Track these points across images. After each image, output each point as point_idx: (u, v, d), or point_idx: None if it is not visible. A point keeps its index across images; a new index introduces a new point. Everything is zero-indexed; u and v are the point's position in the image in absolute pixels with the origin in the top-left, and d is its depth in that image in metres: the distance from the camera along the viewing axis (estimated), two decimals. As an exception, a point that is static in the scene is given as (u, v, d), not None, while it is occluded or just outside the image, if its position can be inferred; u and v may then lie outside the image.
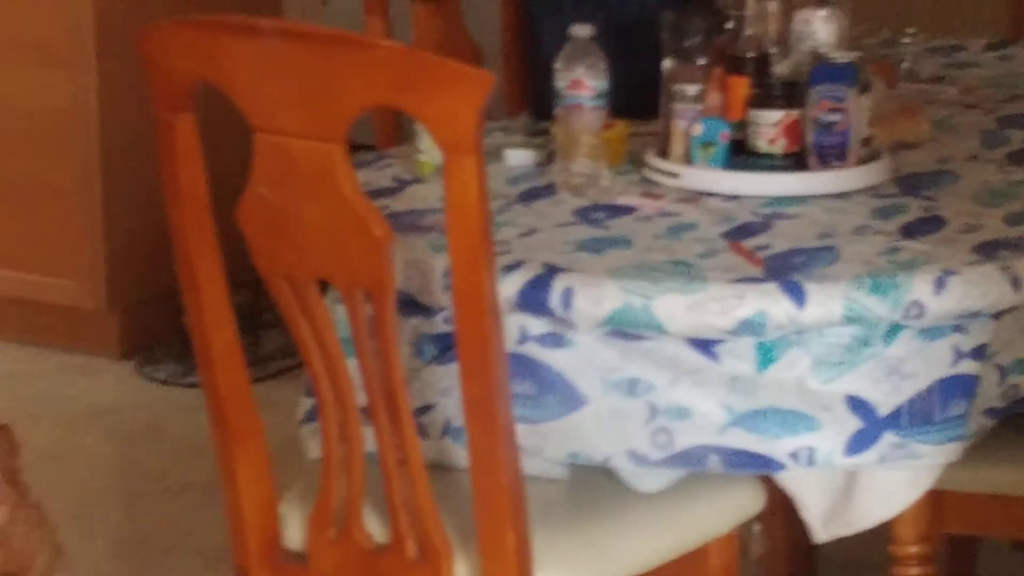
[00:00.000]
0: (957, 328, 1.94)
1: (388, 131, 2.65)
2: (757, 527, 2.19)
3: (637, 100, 2.35)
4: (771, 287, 1.85)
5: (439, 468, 1.97)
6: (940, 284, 1.88)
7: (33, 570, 2.53)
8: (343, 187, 1.74)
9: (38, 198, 3.76)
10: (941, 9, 4.54)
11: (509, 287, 1.88)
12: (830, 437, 1.91)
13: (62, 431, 3.43)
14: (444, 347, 1.99)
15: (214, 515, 2.85)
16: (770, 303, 1.84)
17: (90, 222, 3.73)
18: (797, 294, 1.85)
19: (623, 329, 1.88)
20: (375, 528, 1.91)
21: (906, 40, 2.82)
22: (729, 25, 2.27)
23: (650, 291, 1.85)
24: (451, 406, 1.97)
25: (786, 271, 1.90)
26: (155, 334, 3.85)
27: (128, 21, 3.57)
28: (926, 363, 1.93)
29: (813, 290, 1.85)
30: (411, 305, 1.99)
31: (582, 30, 2.18)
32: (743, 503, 2.05)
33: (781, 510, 2.31)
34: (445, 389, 1.98)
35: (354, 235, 1.75)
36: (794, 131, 2.19)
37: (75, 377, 3.73)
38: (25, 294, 3.83)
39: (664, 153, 2.24)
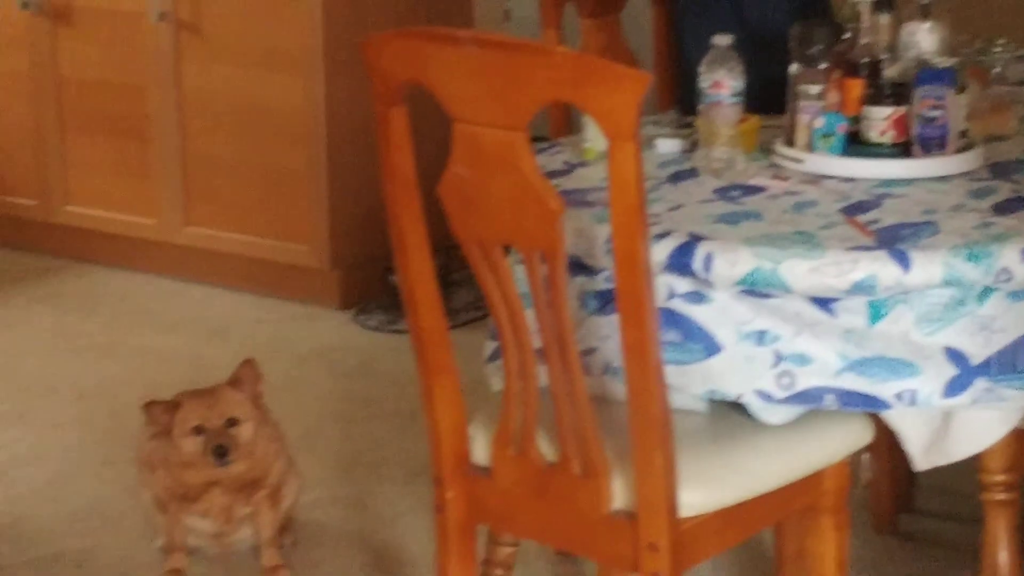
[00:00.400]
0: (1042, 291, 1.86)
1: (559, 124, 2.62)
2: (866, 456, 2.14)
3: (767, 99, 2.30)
4: (881, 254, 1.79)
5: (599, 401, 1.95)
6: (1027, 254, 1.81)
7: (272, 475, 2.57)
8: (524, 168, 1.72)
9: (277, 178, 3.79)
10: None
11: (659, 252, 1.84)
12: (930, 382, 1.84)
13: (293, 367, 3.46)
14: (604, 301, 1.96)
15: (416, 437, 2.90)
16: (880, 267, 1.78)
17: (318, 197, 3.75)
18: (903, 260, 1.79)
19: (754, 288, 1.84)
20: (546, 449, 1.89)
21: (997, 48, 2.70)
22: (846, 35, 2.21)
23: (778, 256, 1.81)
24: (609, 350, 1.94)
25: (894, 241, 1.83)
26: (368, 290, 3.87)
27: (348, 32, 3.64)
28: (1014, 320, 1.85)
29: (917, 257, 1.79)
30: (577, 266, 1.96)
31: (723, 39, 2.13)
32: (854, 436, 1.98)
33: (886, 442, 2.25)
34: (604, 336, 1.96)
35: (533, 207, 1.73)
36: (901, 124, 2.12)
37: (303, 323, 3.77)
38: (266, 255, 3.87)
39: (790, 142, 2.18)
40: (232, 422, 2.46)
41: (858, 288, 1.79)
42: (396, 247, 1.92)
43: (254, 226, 3.84)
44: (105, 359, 3.52)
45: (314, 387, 3.38)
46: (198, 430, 2.45)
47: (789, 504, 1.97)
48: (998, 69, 2.66)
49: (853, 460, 2.05)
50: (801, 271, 1.80)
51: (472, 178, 1.79)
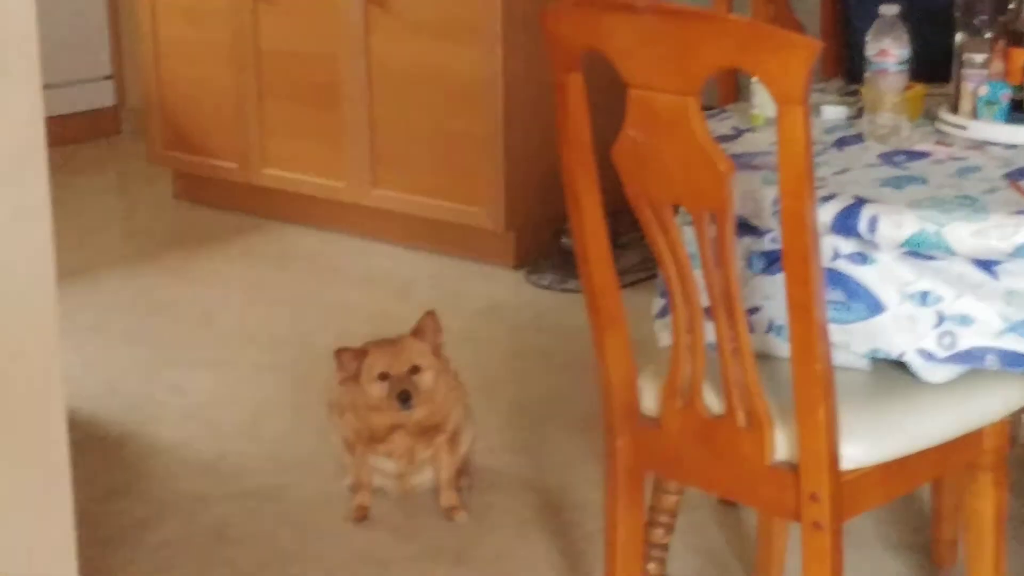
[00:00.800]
0: None
1: (728, 92, 2.61)
2: None
3: (933, 68, 2.26)
4: (1047, 217, 1.77)
5: (762, 358, 1.96)
6: None
7: (451, 421, 2.64)
8: (696, 131, 1.73)
9: (457, 144, 3.85)
10: None
11: (825, 214, 1.84)
12: (1094, 344, 1.82)
13: (470, 321, 3.52)
14: (770, 261, 1.96)
15: (586, 389, 2.93)
16: (1045, 231, 1.76)
17: (495, 163, 3.79)
18: (1071, 224, 1.76)
19: (917, 250, 1.82)
20: (712, 401, 1.91)
21: None
22: (1012, 5, 2.16)
23: (942, 219, 1.78)
24: (774, 308, 1.95)
25: (1060, 205, 1.80)
26: (540, 251, 3.91)
27: (524, 4, 3.67)
28: None
29: (1084, 221, 1.76)
30: (744, 227, 1.97)
31: (890, 9, 2.11)
32: (1014, 395, 1.95)
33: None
34: (769, 295, 1.96)
35: (703, 169, 1.75)
36: (1066, 93, 2.07)
37: (480, 281, 3.83)
38: (446, 217, 3.94)
39: (954, 109, 2.14)
40: (415, 370, 2.54)
41: (1021, 251, 1.77)
42: (571, 208, 1.95)
43: (435, 189, 3.92)
44: (297, 311, 3.65)
45: (490, 341, 3.45)
46: (383, 376, 2.53)
47: (948, 461, 1.96)
48: None
49: (1013, 419, 2.01)
50: (965, 234, 1.78)
51: (645, 142, 1.81)
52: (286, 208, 4.30)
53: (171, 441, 2.94)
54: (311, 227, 4.25)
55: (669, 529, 2.24)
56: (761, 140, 2.12)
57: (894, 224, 1.80)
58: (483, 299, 3.71)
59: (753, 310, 1.99)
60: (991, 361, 1.84)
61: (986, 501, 2.00)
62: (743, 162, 2.03)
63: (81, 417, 3.04)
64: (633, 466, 2.02)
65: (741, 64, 1.69)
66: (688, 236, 1.89)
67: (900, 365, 1.94)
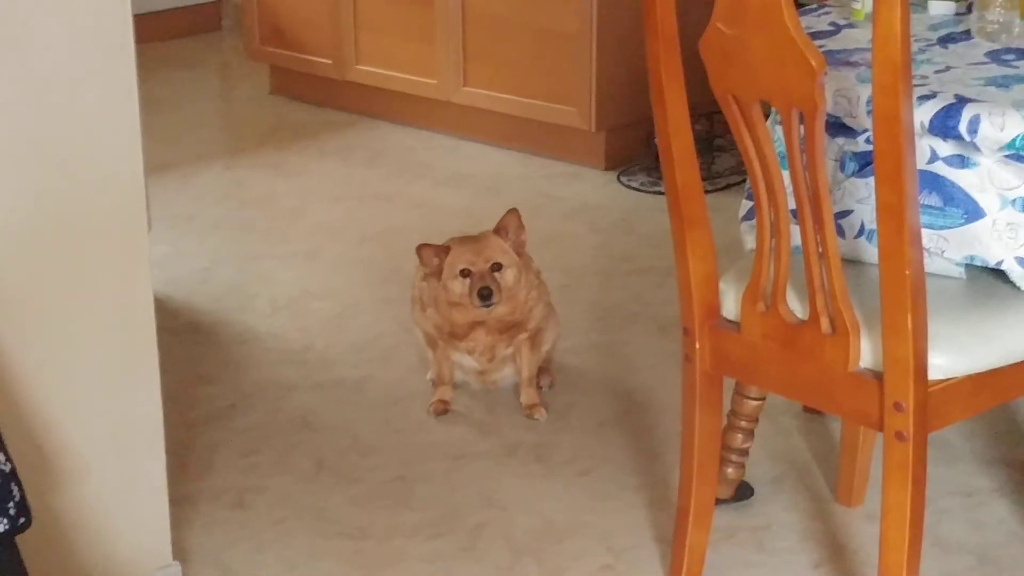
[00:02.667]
0: None
1: None
2: None
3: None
4: None
5: (852, 263, 1.87)
6: None
7: (532, 320, 2.59)
8: (787, 23, 1.61)
9: (549, 42, 3.73)
10: None
11: (923, 114, 1.73)
12: None
13: (557, 221, 3.46)
14: (864, 163, 1.86)
15: (670, 293, 2.84)
16: None
17: (587, 63, 3.68)
18: None
19: (1022, 153, 1.71)
20: (795, 306, 1.82)
21: None
22: None
23: (1051, 120, 1.67)
24: (866, 212, 1.85)
25: None
26: (631, 152, 3.81)
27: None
28: None
29: None
30: (837, 126, 1.86)
31: (1005, -101, 1.96)
32: (1119, 308, 1.84)
33: None
34: (862, 198, 1.86)
35: (793, 64, 1.63)
36: None
37: (569, 181, 3.75)
38: (536, 116, 3.85)
39: (1071, 5, 2.01)
40: (496, 267, 2.48)
41: None
42: (655, 102, 1.85)
43: (526, 88, 3.82)
44: (386, 207, 3.60)
45: (576, 241, 3.37)
46: (465, 273, 2.47)
47: (1044, 375, 1.85)
48: None
49: None
50: (1075, 136, 1.66)
51: (733, 34, 1.70)
52: (378, 105, 4.24)
53: (260, 331, 2.93)
54: (402, 124, 4.19)
55: (749, 435, 2.18)
56: (861, 36, 2.00)
57: (997, 125, 1.69)
58: (571, 200, 3.63)
59: (844, 213, 1.89)
60: (1097, 271, 1.73)
61: (1080, 417, 1.90)
62: (839, 59, 1.92)
63: (175, 304, 3.05)
64: (711, 370, 1.94)
65: (839, -49, 1.58)
66: (777, 135, 1.80)
67: (997, 273, 1.83)
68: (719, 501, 2.10)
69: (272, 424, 2.56)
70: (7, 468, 1.56)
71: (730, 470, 2.20)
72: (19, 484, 1.57)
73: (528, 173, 3.81)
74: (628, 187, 3.70)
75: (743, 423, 2.15)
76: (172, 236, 3.40)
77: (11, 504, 1.55)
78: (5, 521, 1.54)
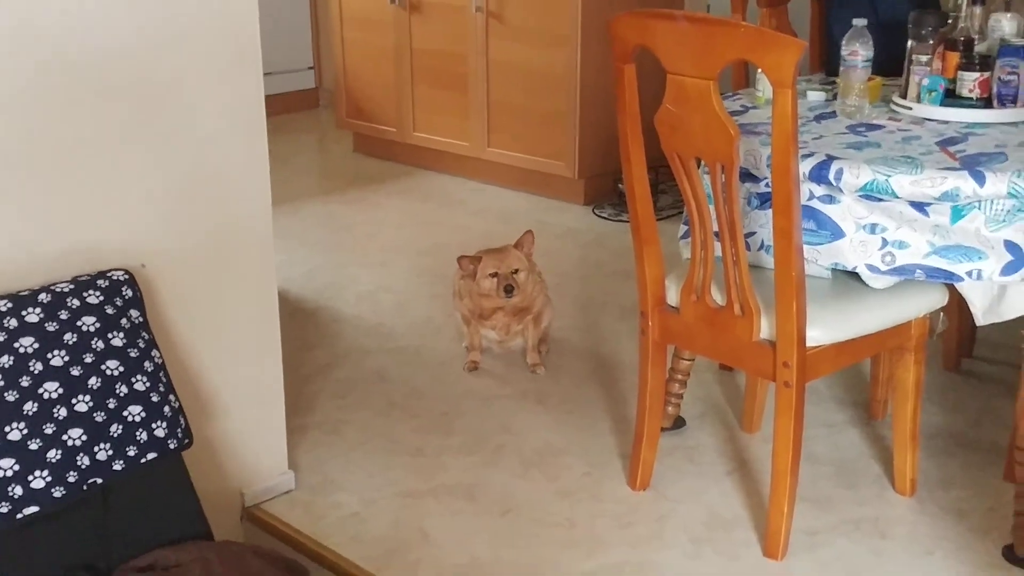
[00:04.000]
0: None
1: (739, 79, 2.53)
2: (942, 313, 2.01)
3: (889, 66, 2.16)
4: (963, 173, 1.67)
5: (755, 268, 1.91)
6: (1077, 177, 1.66)
7: (536, 306, 2.61)
8: (714, 105, 1.68)
9: (547, 118, 3.77)
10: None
11: (805, 166, 1.77)
12: (992, 264, 1.73)
13: (551, 240, 3.48)
14: (764, 200, 1.90)
15: (630, 289, 2.88)
16: (962, 183, 1.67)
17: (572, 131, 3.72)
18: (979, 179, 1.66)
19: (870, 194, 1.75)
20: (716, 296, 1.87)
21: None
22: (950, 21, 2.03)
23: (889, 172, 1.71)
24: (766, 233, 1.89)
25: (973, 165, 1.71)
26: (603, 193, 3.84)
27: (596, 19, 3.56)
28: (1062, 225, 1.71)
29: (989, 176, 1.66)
30: (747, 175, 1.91)
31: (860, 21, 2.00)
32: (934, 298, 1.88)
33: (956, 304, 2.13)
34: (762, 224, 1.91)
35: (718, 134, 1.69)
36: (985, 85, 1.96)
37: (559, 213, 3.77)
38: (537, 168, 3.88)
39: (904, 95, 2.05)
40: (515, 271, 2.52)
41: (945, 196, 1.69)
42: (624, 161, 1.90)
43: (530, 148, 3.85)
44: (434, 231, 3.63)
45: (565, 253, 3.40)
46: (493, 275, 2.51)
47: (884, 343, 1.90)
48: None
49: (931, 316, 1.94)
50: (905, 183, 1.70)
51: (677, 112, 1.75)
52: (428, 160, 4.26)
53: (348, 313, 2.96)
54: (445, 173, 4.21)
55: (683, 384, 2.22)
56: (762, 114, 2.05)
57: (854, 175, 1.73)
58: (560, 225, 3.65)
59: (750, 234, 1.93)
60: (919, 274, 1.78)
61: (909, 373, 1.94)
62: (748, 129, 1.96)
63: (290, 295, 3.09)
64: (659, 340, 1.98)
65: (748, 58, 1.63)
66: (706, 181, 1.83)
67: (853, 275, 1.88)
68: (663, 429, 2.15)
69: (356, 377, 2.59)
70: (176, 405, 1.60)
71: (670, 408, 2.24)
72: (184, 416, 1.61)
73: (531, 207, 3.83)
74: (600, 217, 3.72)
75: (680, 376, 2.19)
76: (288, 249, 3.43)
77: (179, 429, 1.59)
78: (175, 441, 1.57)
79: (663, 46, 1.71)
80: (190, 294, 1.82)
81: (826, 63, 2.44)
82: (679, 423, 2.27)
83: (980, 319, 1.82)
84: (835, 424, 2.30)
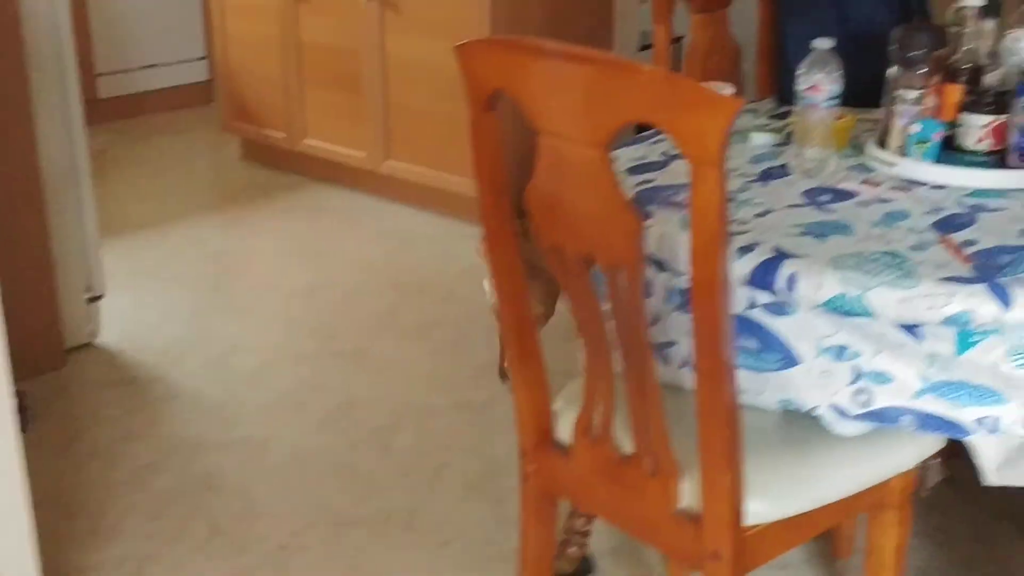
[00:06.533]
0: None
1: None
2: (937, 461, 1.48)
3: (864, 93, 1.59)
4: (979, 289, 1.12)
5: (676, 391, 1.35)
6: None
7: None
8: (606, 185, 1.10)
9: (452, 125, 3.16)
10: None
11: (743, 267, 1.21)
12: (1014, 410, 1.18)
13: (454, 279, 2.91)
14: (687, 299, 1.33)
15: (552, 347, 2.32)
16: (977, 304, 1.11)
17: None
18: (1003, 297, 1.11)
19: (837, 310, 1.19)
20: (623, 439, 1.31)
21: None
22: (949, 40, 1.47)
23: (866, 283, 1.15)
24: (689, 345, 1.33)
25: (993, 271, 1.15)
26: (523, 214, 3.27)
27: (508, 9, 2.98)
28: (1110, 355, 1.17)
29: (1019, 295, 1.11)
30: (662, 263, 1.34)
31: (823, 43, 1.43)
32: (925, 445, 1.33)
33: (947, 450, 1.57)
34: (685, 332, 1.34)
35: (613, 223, 1.12)
36: (1000, 133, 1.40)
37: (469, 241, 3.13)
38: (443, 186, 3.26)
39: (883, 144, 1.49)
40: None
41: (951, 322, 1.13)
42: (487, 244, 1.33)
43: (435, 162, 3.26)
44: (317, 263, 3.04)
45: (467, 299, 2.79)
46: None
47: (855, 508, 1.35)
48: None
49: (922, 466, 1.39)
50: (890, 300, 1.14)
51: (556, 190, 1.17)
52: (320, 170, 3.66)
53: (189, 385, 2.37)
54: (339, 186, 3.61)
55: (589, 519, 1.67)
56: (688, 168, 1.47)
57: (814, 285, 1.17)
58: (469, 257, 3.06)
59: (669, 344, 1.37)
60: (907, 422, 1.22)
61: (889, 538, 1.39)
62: (665, 197, 1.39)
63: (124, 359, 2.49)
64: (544, 491, 1.42)
65: (653, 120, 1.04)
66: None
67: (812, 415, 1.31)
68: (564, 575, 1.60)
69: (180, 486, 2.01)
70: None
71: (573, 548, 1.69)
72: None
73: (437, 232, 3.25)
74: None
75: (576, 537, 1.66)
76: (135, 291, 2.82)
77: None
78: None
79: (531, 94, 1.13)
80: None
81: (779, 86, 1.86)
82: (586, 567, 1.73)
83: (991, 478, 1.28)
84: (789, 565, 1.77)
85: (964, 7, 1.45)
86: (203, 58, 4.67)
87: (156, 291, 2.84)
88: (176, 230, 3.27)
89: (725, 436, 1.14)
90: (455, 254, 3.08)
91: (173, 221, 3.34)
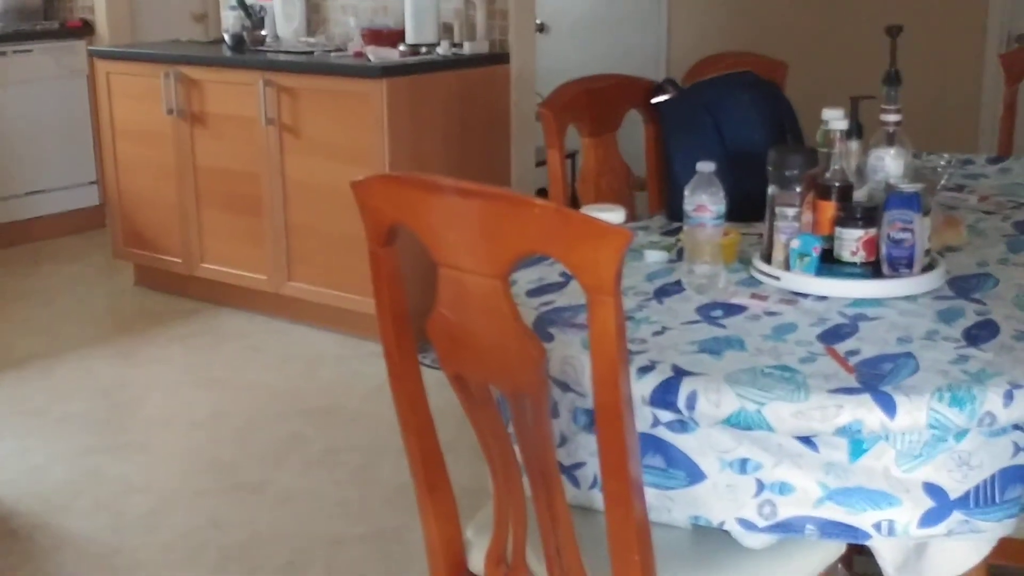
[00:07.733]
0: (1017, 427, 1.25)
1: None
2: (839, 566, 1.52)
3: (747, 207, 1.70)
4: (866, 399, 1.18)
5: (588, 512, 1.37)
6: (1009, 397, 1.20)
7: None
8: (506, 315, 1.14)
9: (354, 246, 3.22)
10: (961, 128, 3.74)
11: (644, 387, 1.25)
12: (907, 512, 1.24)
13: (364, 399, 2.89)
14: (593, 419, 1.37)
15: (461, 470, 2.30)
16: (865, 413, 1.18)
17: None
18: (889, 407, 1.18)
19: (737, 426, 1.24)
20: (537, 569, 1.31)
21: (942, 163, 2.07)
22: (820, 160, 1.59)
23: (762, 398, 1.20)
24: (597, 464, 1.35)
25: (876, 380, 1.22)
26: (424, 335, 3.29)
27: (405, 134, 3.07)
28: (991, 456, 1.24)
29: (902, 402, 1.18)
30: (568, 384, 1.38)
31: (706, 167, 1.52)
32: (830, 551, 1.38)
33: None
34: (595, 451, 1.36)
35: (515, 352, 1.15)
36: (871, 245, 1.50)
37: (377, 360, 3.17)
38: (347, 306, 3.30)
39: (767, 258, 1.58)
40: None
41: (842, 432, 1.19)
42: (390, 374, 1.34)
43: (338, 283, 3.28)
44: (217, 393, 2.97)
45: (377, 419, 2.78)
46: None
47: (766, 621, 1.37)
48: (943, 181, 2.02)
49: (827, 571, 1.44)
50: (785, 414, 1.19)
51: (458, 320, 1.20)
52: (220, 295, 3.63)
53: (78, 533, 2.25)
54: (239, 310, 3.58)
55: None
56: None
57: (713, 403, 1.22)
58: (376, 377, 3.06)
59: (578, 465, 1.39)
60: (810, 531, 1.27)
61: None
62: (566, 319, 1.44)
63: (3, 509, 2.35)
64: (460, 626, 1.40)
65: (549, 252, 1.09)
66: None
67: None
68: None
69: (69, 644, 1.90)
70: None
71: None
72: None
73: (344, 353, 3.23)
74: (423, 364, 3.13)
75: None
76: (19, 433, 2.70)
77: None
78: None
79: (429, 228, 1.17)
80: None
81: (668, 202, 1.96)
82: None
83: (892, 578, 1.32)
84: None
85: (831, 129, 1.58)
86: (94, 182, 4.63)
87: (43, 431, 2.73)
88: (65, 364, 3.17)
89: (637, 556, 1.15)
90: (362, 374, 3.06)
91: (63, 354, 3.23)
